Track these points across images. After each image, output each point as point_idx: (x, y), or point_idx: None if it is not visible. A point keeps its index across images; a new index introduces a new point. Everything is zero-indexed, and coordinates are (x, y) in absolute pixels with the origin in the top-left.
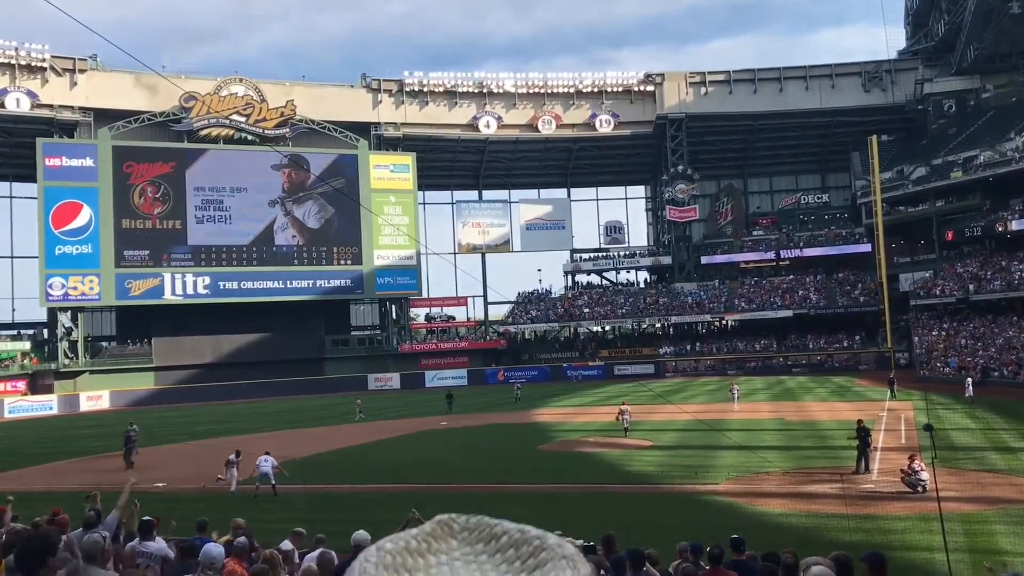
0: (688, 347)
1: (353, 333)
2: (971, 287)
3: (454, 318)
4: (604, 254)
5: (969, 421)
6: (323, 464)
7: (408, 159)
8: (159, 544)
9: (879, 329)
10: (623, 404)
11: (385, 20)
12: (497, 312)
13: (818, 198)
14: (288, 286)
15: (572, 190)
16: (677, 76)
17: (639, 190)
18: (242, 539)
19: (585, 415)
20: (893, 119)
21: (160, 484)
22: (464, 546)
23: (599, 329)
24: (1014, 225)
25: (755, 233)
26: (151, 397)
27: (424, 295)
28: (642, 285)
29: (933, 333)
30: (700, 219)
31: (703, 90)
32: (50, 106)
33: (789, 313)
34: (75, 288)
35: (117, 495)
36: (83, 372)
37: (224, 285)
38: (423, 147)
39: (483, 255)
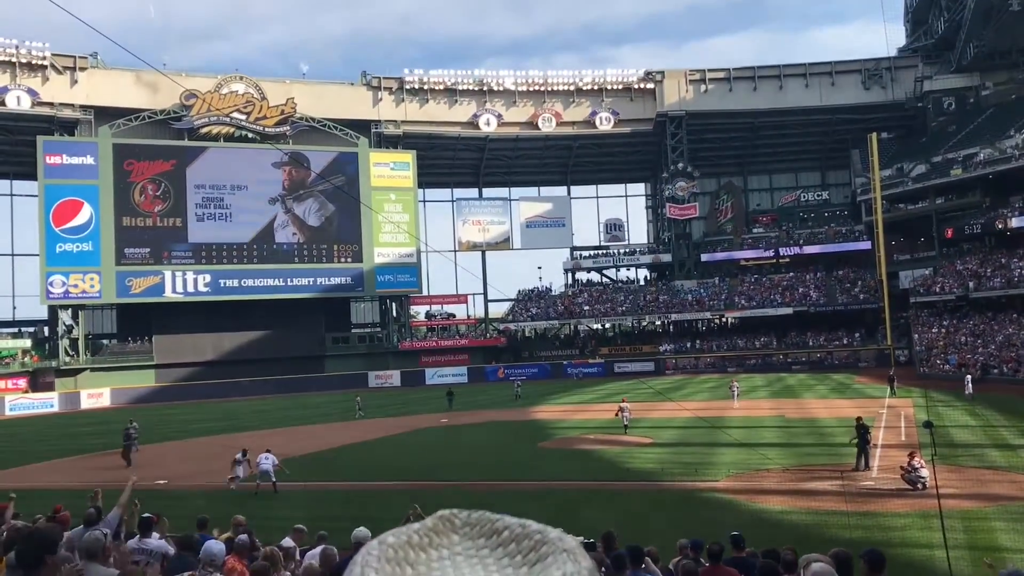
0: (688, 344)
1: (353, 331)
2: (971, 284)
3: (454, 316)
4: (604, 252)
5: (969, 418)
6: (324, 461)
7: (408, 157)
8: (159, 541)
9: (879, 326)
10: (623, 401)
11: (385, 18)
12: (497, 310)
13: (818, 195)
14: (288, 284)
15: (572, 188)
16: (677, 74)
17: (639, 188)
18: (243, 536)
19: (585, 412)
20: (893, 117)
21: (161, 481)
22: (466, 541)
23: (599, 327)
24: (1014, 222)
25: (755, 231)
26: (152, 395)
27: (424, 293)
28: (642, 283)
29: (933, 330)
30: (700, 217)
31: (703, 88)
32: (51, 104)
33: (789, 310)
34: (76, 286)
35: (118, 493)
36: (84, 370)
37: (225, 283)
38: (423, 145)
39: (483, 253)
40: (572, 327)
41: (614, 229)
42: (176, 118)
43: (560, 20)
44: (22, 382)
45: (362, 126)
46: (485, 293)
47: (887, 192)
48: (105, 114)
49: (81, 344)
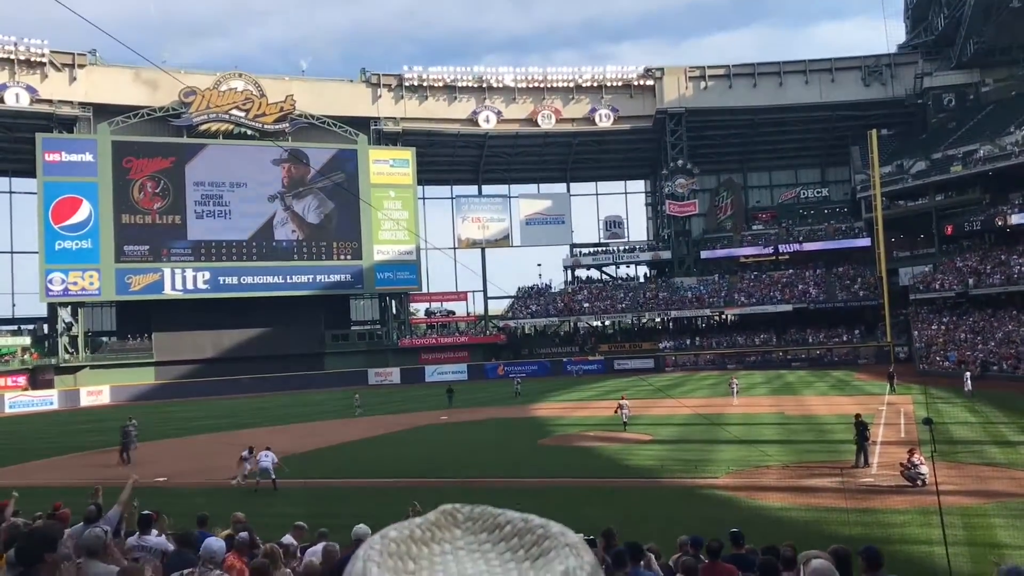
0: (688, 341)
1: (353, 328)
2: (971, 281)
3: (454, 313)
4: (604, 249)
5: (968, 415)
6: (324, 458)
7: (408, 154)
8: (158, 538)
9: (878, 323)
10: (622, 398)
11: (384, 15)
12: (497, 307)
13: (818, 192)
14: (288, 281)
15: (572, 185)
16: (677, 70)
17: (639, 185)
18: (243, 534)
19: (585, 410)
20: (893, 113)
21: (161, 479)
22: (468, 535)
23: (599, 324)
24: (1014, 219)
25: (755, 227)
26: (151, 392)
27: (424, 290)
28: (642, 280)
29: (932, 327)
30: (700, 214)
31: (703, 84)
32: (49, 101)
33: (789, 307)
34: (75, 283)
35: (118, 490)
36: (83, 367)
37: (224, 280)
38: (423, 142)
39: (483, 250)
40: (572, 324)
41: (614, 226)
42: (175, 115)
43: (560, 16)
44: (22, 380)
45: (361, 123)
46: (485, 290)
47: (887, 189)
48: (104, 111)
49: (80, 342)
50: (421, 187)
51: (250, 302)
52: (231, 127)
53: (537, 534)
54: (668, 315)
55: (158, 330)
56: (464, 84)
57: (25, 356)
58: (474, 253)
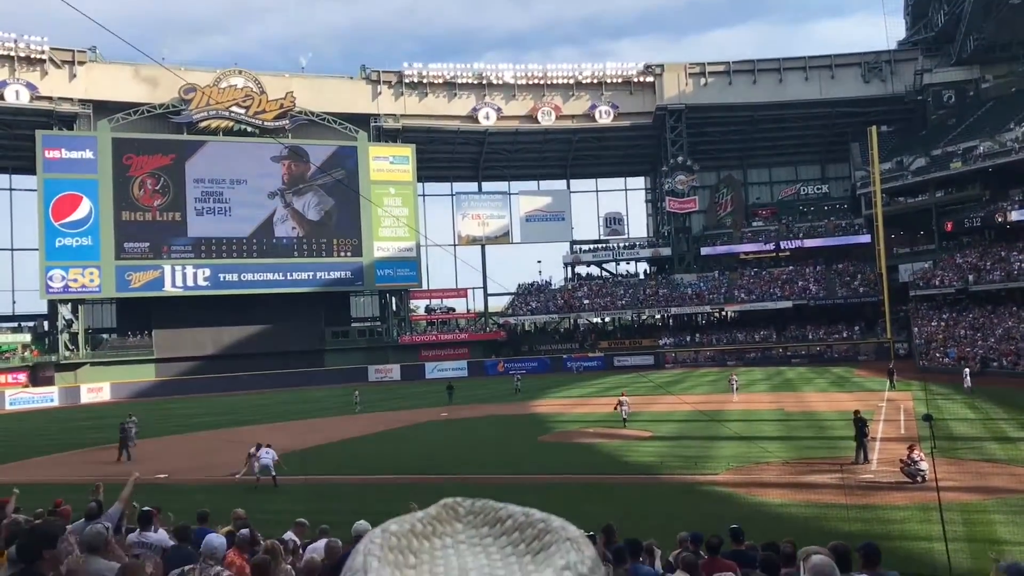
0: (688, 338)
1: (353, 325)
2: (970, 277)
3: (454, 310)
4: (604, 245)
5: (968, 411)
6: (324, 455)
7: (408, 151)
8: (159, 535)
9: (878, 320)
10: (622, 395)
11: (384, 12)
12: (497, 304)
13: (818, 189)
14: (288, 278)
15: (572, 181)
16: (677, 67)
17: (639, 181)
18: (244, 531)
19: (585, 406)
20: (893, 110)
21: (161, 475)
22: (469, 529)
23: (599, 320)
24: (1013, 215)
25: (755, 224)
26: (152, 389)
27: (424, 287)
28: (642, 276)
29: (932, 323)
30: (700, 210)
31: (703, 81)
32: (49, 98)
33: (789, 304)
34: (75, 280)
35: (119, 487)
36: (84, 364)
37: (224, 277)
38: (423, 139)
39: (483, 247)
40: (572, 321)
41: (614, 223)
42: (175, 112)
43: (560, 13)
44: (22, 377)
45: (361, 120)
46: (485, 287)
47: (887, 185)
48: (104, 108)
49: (81, 338)
50: (421, 184)
51: (250, 299)
52: (231, 124)
53: (538, 528)
54: (668, 312)
55: (158, 327)
56: (464, 81)
57: (25, 353)
58: (474, 250)
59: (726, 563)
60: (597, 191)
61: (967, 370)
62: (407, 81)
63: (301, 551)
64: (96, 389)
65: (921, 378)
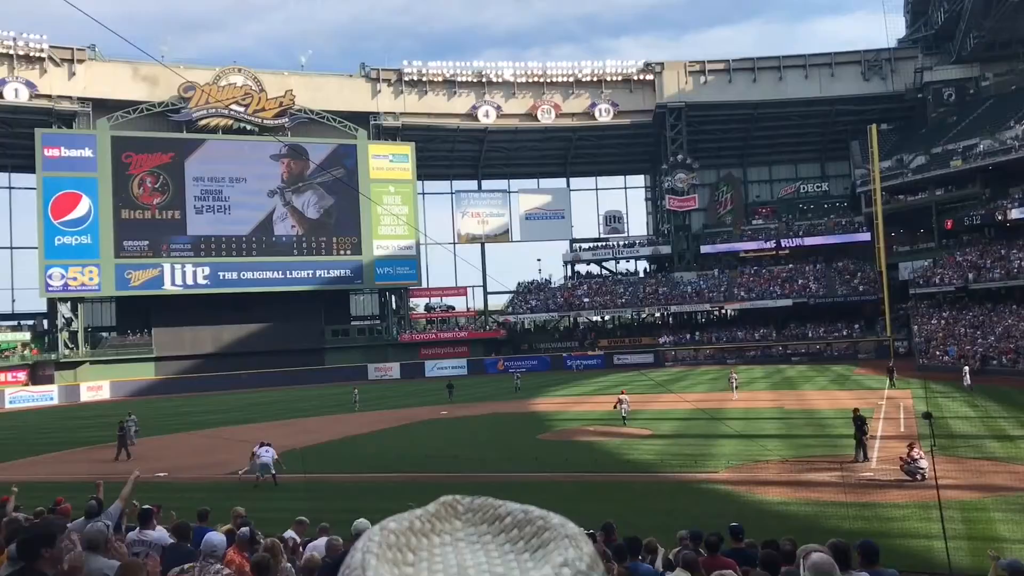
0: (688, 336)
1: (353, 323)
2: (970, 276)
3: (454, 308)
4: (604, 244)
5: (968, 409)
6: (324, 453)
7: (407, 149)
8: (159, 532)
9: (878, 318)
10: (622, 393)
11: (384, 10)
12: (497, 302)
13: (818, 187)
14: (288, 276)
15: (571, 180)
16: (676, 65)
17: (639, 179)
18: (244, 529)
19: (584, 404)
20: (893, 108)
21: (161, 474)
22: (468, 527)
23: (599, 319)
24: (1013, 213)
25: (755, 222)
26: (151, 387)
27: (424, 285)
28: (642, 274)
29: (932, 322)
30: (700, 208)
31: (703, 79)
32: (48, 96)
33: (788, 302)
34: (75, 279)
35: (119, 485)
36: (83, 362)
37: (224, 275)
38: (422, 137)
39: (483, 245)
40: (572, 319)
41: (613, 221)
42: (174, 110)
43: (560, 11)
44: (22, 375)
45: (361, 118)
46: (484, 285)
47: (887, 183)
48: (103, 106)
49: (80, 337)
50: (420, 182)
51: (250, 297)
52: (230, 122)
53: (537, 525)
54: (668, 310)
55: (158, 325)
56: (464, 79)
57: (25, 351)
58: (474, 248)
59: (725, 561)
60: (597, 189)
61: (967, 368)
62: (407, 79)
63: (301, 549)
64: (96, 387)
65: (921, 376)
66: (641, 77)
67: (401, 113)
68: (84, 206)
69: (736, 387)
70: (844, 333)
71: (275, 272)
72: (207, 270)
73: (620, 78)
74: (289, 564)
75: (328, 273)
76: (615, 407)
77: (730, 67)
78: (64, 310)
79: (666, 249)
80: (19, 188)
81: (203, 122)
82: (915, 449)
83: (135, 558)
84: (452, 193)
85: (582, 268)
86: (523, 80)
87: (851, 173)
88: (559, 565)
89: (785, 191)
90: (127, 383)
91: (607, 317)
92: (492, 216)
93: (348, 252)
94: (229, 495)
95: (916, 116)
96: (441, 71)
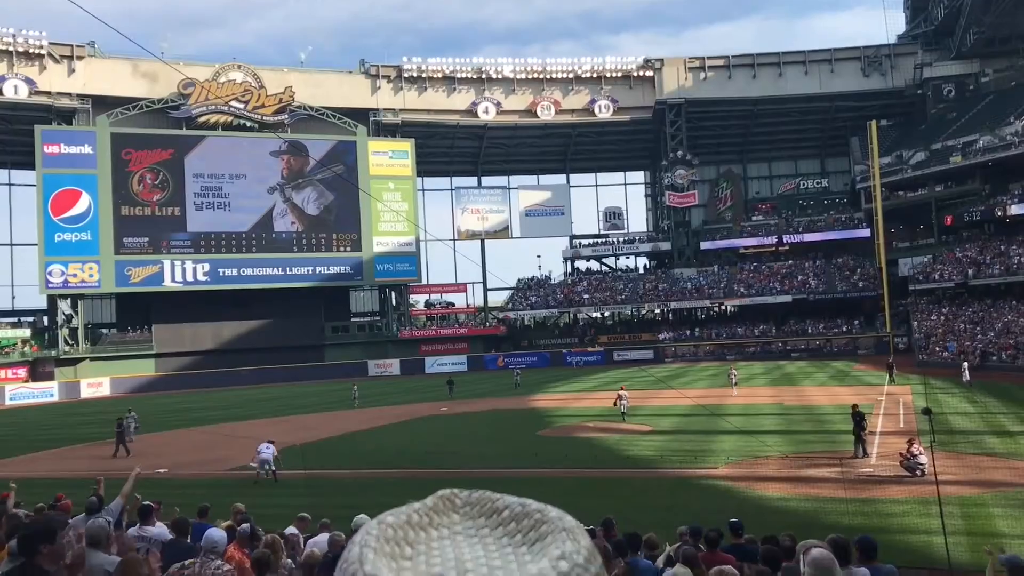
0: (687, 332)
1: (353, 319)
2: (970, 272)
3: (454, 304)
4: (603, 240)
5: (968, 405)
6: (324, 449)
7: (407, 145)
8: (159, 528)
9: (878, 314)
10: (621, 389)
11: (383, 6)
12: (497, 298)
13: (817, 183)
14: (288, 273)
15: (571, 176)
16: (676, 61)
17: (638, 176)
18: (245, 526)
19: (584, 400)
20: (892, 104)
21: (161, 470)
22: (466, 520)
23: (598, 315)
24: (1013, 209)
25: (754, 218)
26: (152, 384)
27: (423, 281)
28: (641, 271)
29: (932, 318)
30: (699, 204)
31: (702, 75)
32: (48, 93)
33: (788, 298)
34: (75, 275)
35: (120, 481)
36: (83, 359)
37: (224, 272)
38: (422, 133)
39: (482, 241)
40: (571, 315)
41: (613, 217)
42: (174, 107)
43: (559, 7)
44: (22, 372)
45: (360, 115)
46: (484, 282)
47: (886, 179)
48: (103, 103)
49: (80, 333)
50: (420, 179)
51: (250, 294)
52: (230, 119)
53: (535, 519)
54: (668, 306)
55: (158, 322)
56: (463, 75)
57: (25, 348)
58: (473, 245)
59: (725, 556)
60: (597, 185)
61: (966, 364)
62: (406, 75)
63: (302, 545)
64: (96, 384)
65: (920, 372)
66: (641, 73)
67: (401, 109)
68: (84, 203)
69: (736, 383)
70: (844, 329)
71: (275, 269)
72: (207, 267)
73: (620, 74)
74: (289, 560)
75: (328, 270)
76: (615, 403)
77: (730, 63)
78: (64, 307)
79: (666, 245)
80: (19, 185)
81: (203, 119)
82: (915, 445)
83: (135, 554)
84: (452, 190)
85: (582, 264)
86: (523, 76)
87: (851, 169)
88: (556, 558)
89: (785, 187)
90: (127, 380)
91: (607, 313)
92: (492, 212)
93: (348, 249)
94: (229, 491)
95: (916, 112)
96: (441, 67)
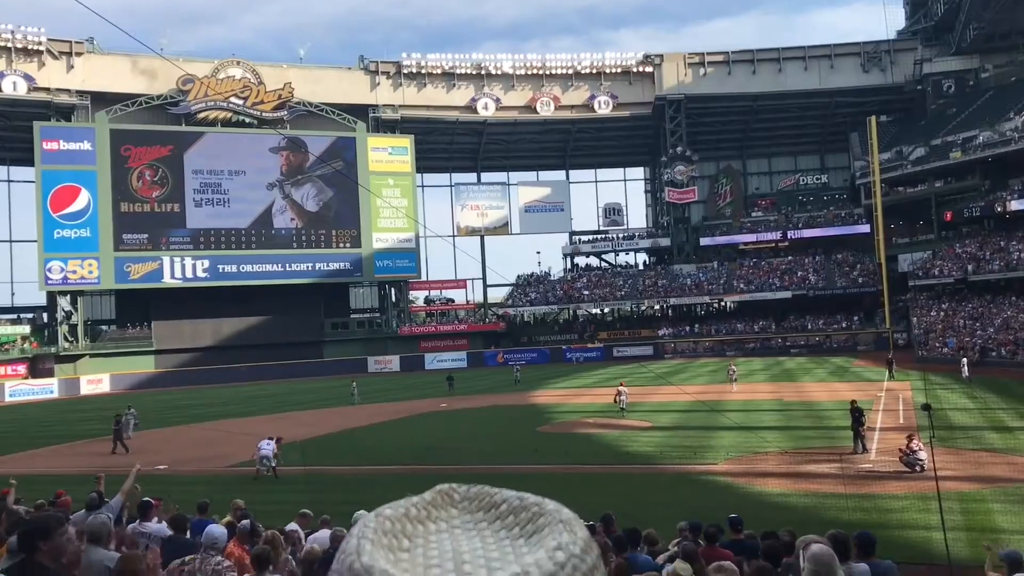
0: (687, 329)
1: (352, 316)
2: (969, 267)
3: (453, 301)
4: (603, 236)
5: (967, 401)
6: (323, 446)
7: (406, 141)
8: (158, 524)
9: (878, 310)
10: (621, 385)
11: (382, 2)
12: (496, 295)
13: (817, 179)
14: (287, 269)
15: (571, 172)
16: (676, 57)
17: (638, 172)
18: (245, 523)
19: (584, 397)
20: (892, 99)
21: (161, 466)
22: (464, 514)
23: (598, 311)
24: (1013, 205)
25: (754, 214)
26: (151, 380)
27: (423, 278)
28: (641, 267)
29: (931, 313)
30: (699, 200)
31: (702, 71)
32: (47, 89)
33: (788, 294)
34: (74, 272)
35: (120, 478)
36: (83, 356)
37: (223, 268)
38: (421, 129)
39: (482, 237)
40: (571, 312)
41: (613, 213)
42: (173, 103)
43: (558, 3)
44: (21, 368)
45: (360, 111)
46: (484, 278)
47: (886, 175)
48: (102, 99)
49: (80, 330)
50: (420, 175)
51: (249, 290)
52: (229, 115)
53: (532, 511)
54: (667, 302)
55: (157, 318)
56: (463, 71)
57: (25, 345)
58: (473, 241)
59: (724, 552)
60: (596, 182)
61: (965, 360)
62: (405, 71)
63: (304, 541)
64: (96, 381)
65: (920, 368)
66: (640, 69)
67: (400, 106)
68: (83, 199)
69: (735, 379)
70: (843, 325)
71: (274, 265)
72: (206, 263)
73: (619, 70)
74: (289, 556)
75: (327, 266)
76: (614, 399)
77: (729, 59)
78: (64, 303)
79: (665, 241)
80: (18, 181)
81: (202, 115)
82: (914, 441)
83: (134, 550)
84: (451, 186)
85: (581, 261)
86: (522, 72)
87: (850, 165)
88: (553, 548)
89: (784, 183)
90: (127, 376)
91: (606, 309)
92: (491, 209)
93: (347, 245)
94: (229, 488)
95: (915, 108)
96: (440, 63)
